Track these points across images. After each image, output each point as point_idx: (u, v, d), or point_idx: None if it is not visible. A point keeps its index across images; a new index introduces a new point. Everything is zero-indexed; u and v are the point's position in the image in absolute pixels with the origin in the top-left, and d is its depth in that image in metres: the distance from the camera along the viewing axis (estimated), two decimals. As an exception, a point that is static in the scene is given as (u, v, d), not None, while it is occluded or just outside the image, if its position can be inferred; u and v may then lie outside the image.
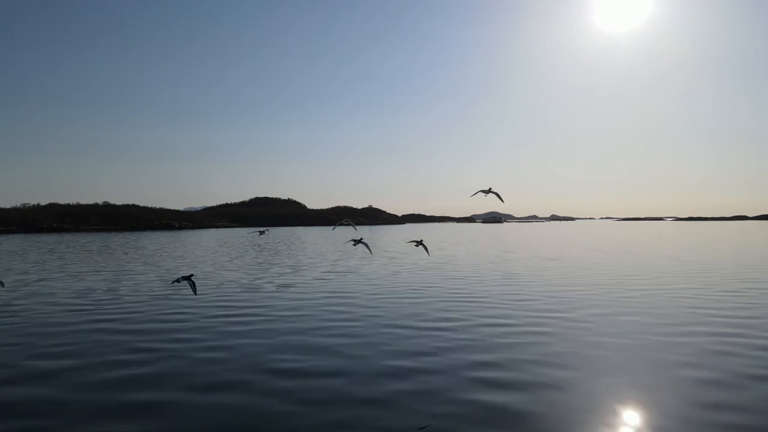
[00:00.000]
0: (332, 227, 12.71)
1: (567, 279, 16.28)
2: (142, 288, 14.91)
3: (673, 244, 37.86)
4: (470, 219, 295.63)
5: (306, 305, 11.65)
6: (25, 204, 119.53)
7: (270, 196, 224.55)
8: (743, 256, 25.13)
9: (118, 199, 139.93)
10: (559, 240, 47.79)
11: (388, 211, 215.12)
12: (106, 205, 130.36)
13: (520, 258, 25.27)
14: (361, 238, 11.02)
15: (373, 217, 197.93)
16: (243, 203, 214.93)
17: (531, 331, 8.87)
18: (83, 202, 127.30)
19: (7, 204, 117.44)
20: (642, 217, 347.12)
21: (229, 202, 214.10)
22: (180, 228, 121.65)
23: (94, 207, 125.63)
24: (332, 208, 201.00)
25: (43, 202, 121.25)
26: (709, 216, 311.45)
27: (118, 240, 53.90)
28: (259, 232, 13.75)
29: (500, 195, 9.88)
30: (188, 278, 10.20)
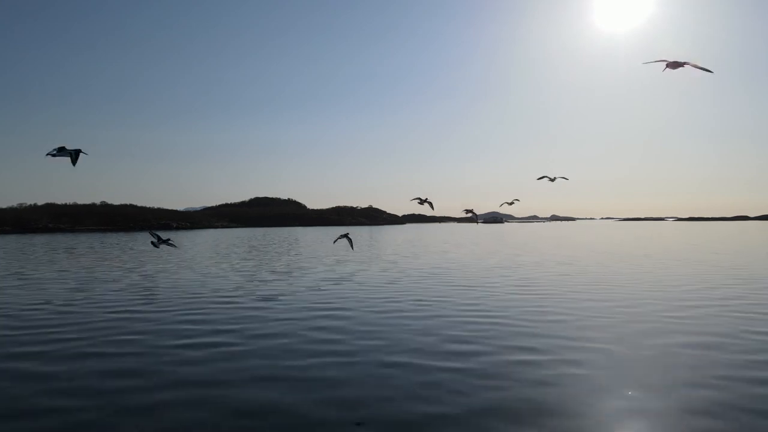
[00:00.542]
0: (334, 241, 13.38)
1: (594, 289, 14.40)
2: (85, 301, 13.10)
3: (692, 246, 35.92)
4: (471, 219, 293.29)
5: (288, 327, 9.53)
6: (21, 204, 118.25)
7: (270, 196, 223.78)
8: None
9: (119, 200, 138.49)
10: (565, 241, 45.92)
11: (388, 211, 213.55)
12: (104, 205, 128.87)
13: (531, 262, 23.43)
14: (347, 234, 12.19)
15: (373, 217, 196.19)
16: (243, 203, 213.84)
17: (570, 363, 7.01)
18: (83, 202, 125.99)
19: (6, 204, 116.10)
20: (643, 217, 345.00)
21: (229, 202, 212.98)
22: (178, 228, 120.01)
23: (91, 207, 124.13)
24: (332, 208, 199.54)
25: (43, 202, 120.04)
26: (710, 216, 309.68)
27: (109, 241, 52.11)
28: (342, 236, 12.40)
29: (564, 177, 10.10)
30: (165, 241, 10.64)
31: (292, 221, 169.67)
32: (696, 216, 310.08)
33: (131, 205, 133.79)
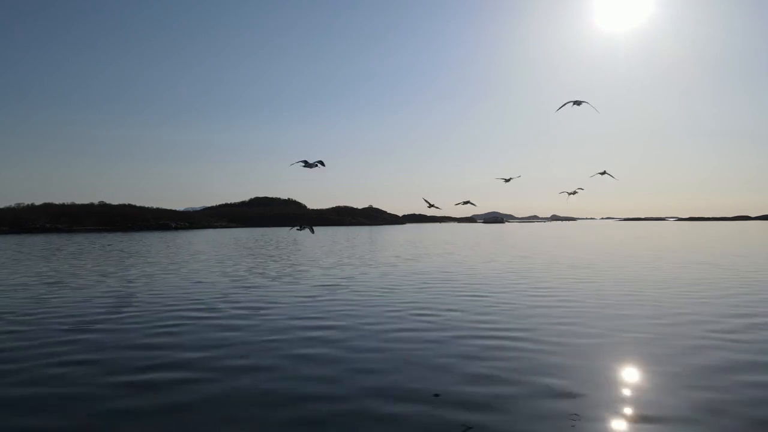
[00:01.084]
0: (290, 228, 13.95)
1: (623, 298, 12.79)
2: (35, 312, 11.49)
3: (704, 247, 34.21)
4: (471, 219, 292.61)
5: (262, 354, 7.67)
6: (19, 204, 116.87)
7: (270, 196, 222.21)
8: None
9: (119, 200, 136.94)
10: (571, 241, 44.20)
11: (388, 211, 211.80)
12: (102, 205, 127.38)
13: (542, 265, 21.80)
14: (310, 226, 12.74)
15: (373, 217, 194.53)
16: (243, 203, 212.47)
17: (626, 402, 5.42)
18: (82, 202, 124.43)
19: (4, 204, 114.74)
20: (643, 217, 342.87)
21: (229, 202, 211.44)
22: (176, 228, 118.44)
23: (89, 207, 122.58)
24: (332, 208, 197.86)
25: (42, 202, 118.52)
26: (711, 216, 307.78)
27: (102, 242, 50.51)
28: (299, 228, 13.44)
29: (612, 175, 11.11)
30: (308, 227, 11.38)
31: (292, 221, 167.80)
32: (697, 216, 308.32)
33: (130, 205, 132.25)
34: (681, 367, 6.78)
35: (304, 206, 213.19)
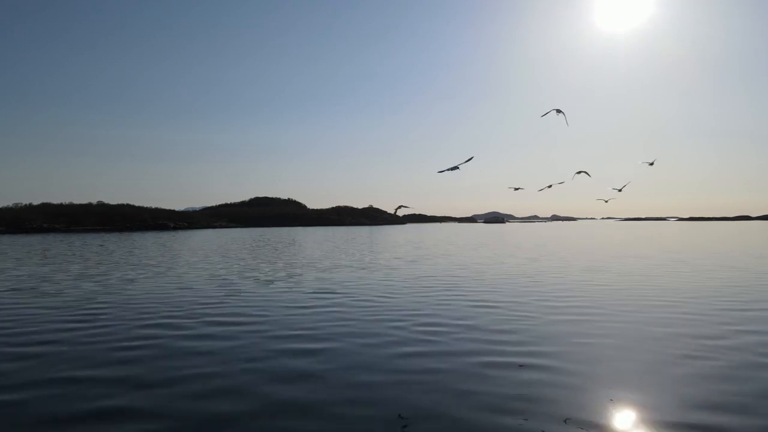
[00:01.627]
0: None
1: (652, 308, 11.45)
2: None
3: (719, 248, 32.77)
4: (471, 219, 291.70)
5: (233, 384, 6.28)
6: (17, 203, 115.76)
7: (270, 196, 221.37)
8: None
9: (119, 200, 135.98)
10: (573, 241, 42.79)
11: (388, 211, 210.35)
12: (100, 205, 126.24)
13: (553, 268, 20.43)
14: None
15: (373, 217, 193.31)
16: (243, 203, 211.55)
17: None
18: (80, 202, 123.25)
19: (2, 204, 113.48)
20: (643, 217, 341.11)
21: (229, 202, 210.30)
22: (175, 228, 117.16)
23: (87, 207, 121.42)
24: (332, 208, 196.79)
25: (40, 202, 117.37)
26: (712, 216, 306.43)
27: (95, 242, 49.17)
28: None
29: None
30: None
31: (292, 221, 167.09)
32: (697, 216, 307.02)
33: (128, 205, 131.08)
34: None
35: (305, 206, 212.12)
